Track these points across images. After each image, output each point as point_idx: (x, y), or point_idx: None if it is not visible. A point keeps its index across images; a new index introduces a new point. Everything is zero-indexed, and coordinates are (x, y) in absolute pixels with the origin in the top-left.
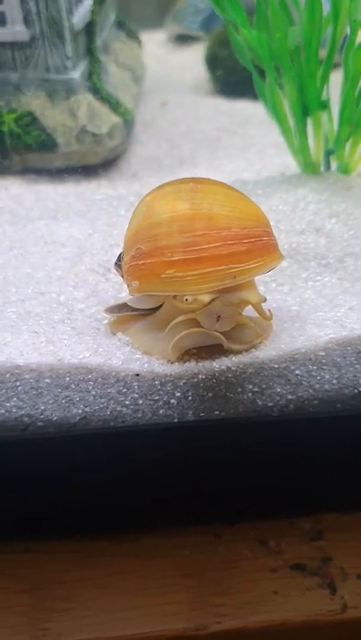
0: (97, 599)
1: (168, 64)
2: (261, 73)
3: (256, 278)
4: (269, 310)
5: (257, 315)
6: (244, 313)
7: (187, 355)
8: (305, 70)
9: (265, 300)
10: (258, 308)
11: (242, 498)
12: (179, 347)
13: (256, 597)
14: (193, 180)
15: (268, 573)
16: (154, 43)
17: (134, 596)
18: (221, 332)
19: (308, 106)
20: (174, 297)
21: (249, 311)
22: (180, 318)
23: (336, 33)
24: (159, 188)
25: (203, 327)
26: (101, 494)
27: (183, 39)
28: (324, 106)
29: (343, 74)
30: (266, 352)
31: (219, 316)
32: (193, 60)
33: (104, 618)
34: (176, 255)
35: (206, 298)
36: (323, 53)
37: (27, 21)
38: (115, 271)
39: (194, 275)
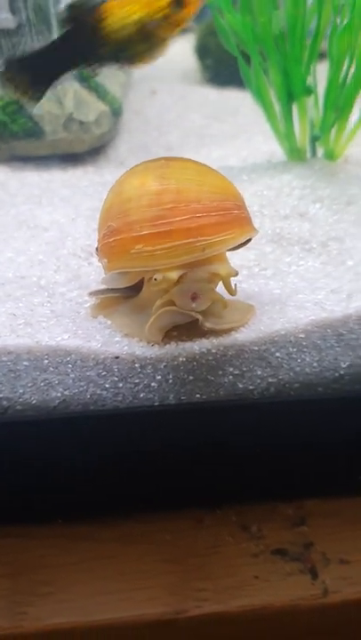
0: (77, 584)
1: None
2: (247, 59)
3: (240, 263)
4: (235, 285)
5: (235, 298)
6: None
7: (167, 337)
8: (290, 55)
9: (236, 273)
10: (226, 281)
11: (224, 483)
12: (157, 327)
13: (237, 582)
14: (165, 158)
15: (250, 558)
16: None
17: (114, 581)
18: (200, 312)
19: (294, 91)
20: (147, 280)
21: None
22: (158, 303)
23: (321, 18)
24: (132, 167)
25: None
26: (82, 479)
27: None
28: (310, 91)
29: (328, 58)
30: (246, 334)
31: (195, 294)
32: (183, 49)
33: (84, 602)
34: (145, 230)
35: (174, 274)
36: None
37: (13, 8)
38: (96, 255)
39: (163, 248)
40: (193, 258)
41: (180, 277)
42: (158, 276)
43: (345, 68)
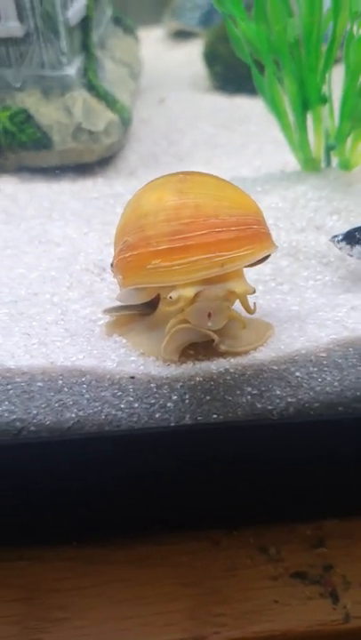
0: (92, 608)
1: (166, 60)
2: (260, 67)
3: (255, 277)
4: (254, 303)
5: (253, 316)
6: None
7: (184, 356)
8: (305, 64)
9: (254, 291)
10: (242, 298)
11: (241, 503)
12: (173, 346)
13: (256, 606)
14: (183, 172)
15: (269, 582)
16: (152, 39)
17: (131, 606)
18: (216, 332)
19: (308, 100)
20: (164, 298)
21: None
22: (172, 322)
23: (337, 25)
24: (150, 181)
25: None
26: (96, 500)
27: (181, 35)
28: (325, 100)
29: (344, 67)
30: (265, 353)
31: (210, 313)
32: (191, 56)
33: (99, 628)
34: (162, 244)
35: (190, 292)
36: (325, 49)
37: (21, 17)
38: (110, 271)
39: (180, 264)
40: (211, 273)
41: (196, 295)
42: (174, 294)
43: None
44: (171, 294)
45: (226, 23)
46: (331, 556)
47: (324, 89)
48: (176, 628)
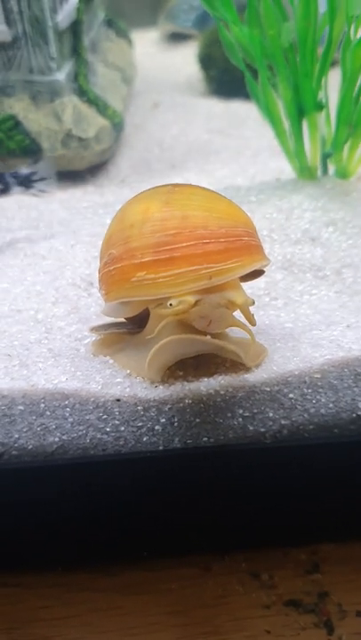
0: (77, 639)
1: (160, 63)
2: (254, 72)
3: (248, 292)
4: (252, 314)
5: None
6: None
7: (172, 377)
8: (300, 69)
9: (253, 302)
10: (244, 309)
11: (232, 528)
12: (159, 364)
13: (247, 637)
14: (172, 184)
15: (261, 610)
16: (146, 41)
17: (117, 637)
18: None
19: (304, 106)
20: (158, 305)
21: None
22: (164, 322)
23: (333, 30)
24: (138, 193)
25: (195, 329)
26: (82, 525)
27: (176, 38)
28: (321, 106)
29: (341, 72)
30: (257, 374)
31: (210, 320)
32: (186, 59)
33: None
34: (147, 256)
35: (191, 298)
36: (321, 52)
37: (8, 21)
38: (98, 286)
39: (166, 276)
40: (199, 286)
41: (197, 302)
42: (174, 301)
43: (359, 82)
44: (171, 302)
45: (218, 27)
46: (326, 582)
47: (321, 95)
48: None
